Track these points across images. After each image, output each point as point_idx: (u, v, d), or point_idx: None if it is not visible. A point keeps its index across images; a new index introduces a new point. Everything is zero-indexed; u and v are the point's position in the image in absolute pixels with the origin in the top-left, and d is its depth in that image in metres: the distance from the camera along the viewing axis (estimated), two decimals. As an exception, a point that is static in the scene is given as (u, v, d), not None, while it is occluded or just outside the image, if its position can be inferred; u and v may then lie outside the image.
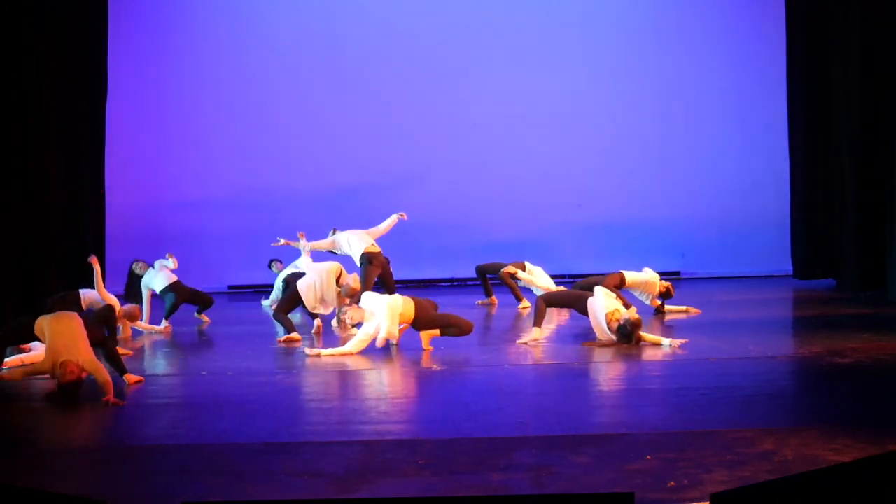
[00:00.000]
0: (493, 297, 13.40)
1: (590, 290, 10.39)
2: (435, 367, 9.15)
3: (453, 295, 14.70)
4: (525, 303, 12.98)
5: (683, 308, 12.18)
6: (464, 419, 7.14)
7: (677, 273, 15.77)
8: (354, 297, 11.03)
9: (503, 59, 16.08)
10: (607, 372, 8.93)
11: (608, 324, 9.80)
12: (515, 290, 13.05)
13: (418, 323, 9.90)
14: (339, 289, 11.18)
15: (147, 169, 15.89)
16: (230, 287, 15.83)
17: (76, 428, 7.47)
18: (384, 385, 8.69)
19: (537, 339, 10.13)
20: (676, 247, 16.12)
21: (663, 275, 15.32)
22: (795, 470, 5.57)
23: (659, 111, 16.16)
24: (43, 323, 8.31)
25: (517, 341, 10.21)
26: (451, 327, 9.98)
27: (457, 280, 16.12)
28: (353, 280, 11.32)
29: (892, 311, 11.81)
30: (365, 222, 15.67)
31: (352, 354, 9.62)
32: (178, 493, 5.53)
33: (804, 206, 14.85)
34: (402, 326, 9.92)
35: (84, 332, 8.26)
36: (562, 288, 12.61)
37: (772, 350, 9.43)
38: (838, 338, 9.92)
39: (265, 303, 14.00)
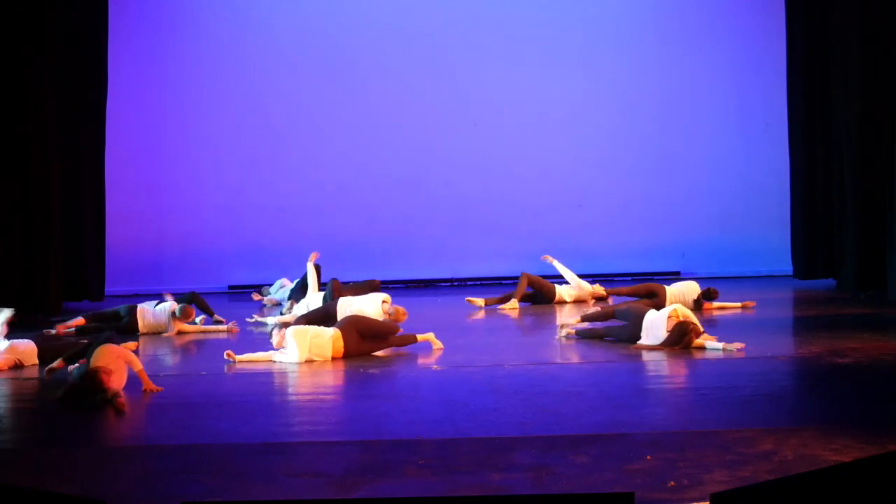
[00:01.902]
0: (484, 301, 13.22)
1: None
2: (435, 367, 9.15)
3: (453, 294, 14.70)
4: (513, 303, 12.99)
5: (739, 304, 12.35)
6: (464, 419, 7.14)
7: (677, 273, 15.75)
8: (395, 317, 10.82)
9: (503, 58, 16.07)
10: (607, 372, 8.93)
11: (668, 318, 9.65)
12: (522, 288, 13.07)
13: (348, 356, 9.62)
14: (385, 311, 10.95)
15: (147, 169, 15.88)
16: (230, 287, 15.83)
17: (76, 428, 7.47)
18: (384, 385, 8.68)
19: (571, 327, 10.36)
20: (676, 247, 16.12)
21: (663, 275, 15.39)
22: (795, 470, 5.58)
23: (659, 111, 16.15)
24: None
25: (559, 334, 10.34)
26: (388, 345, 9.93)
27: (457, 280, 16.12)
28: (398, 311, 10.98)
29: (892, 311, 11.80)
30: (365, 220, 15.77)
31: (262, 361, 9.47)
32: (178, 493, 5.54)
33: (804, 206, 14.84)
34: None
35: (123, 365, 8.27)
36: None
37: (772, 350, 9.43)
38: (838, 338, 9.93)
39: (264, 300, 14.02)
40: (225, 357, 9.50)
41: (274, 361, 9.43)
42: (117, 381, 8.03)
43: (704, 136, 16.17)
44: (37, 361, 9.52)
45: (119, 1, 15.17)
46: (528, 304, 13.27)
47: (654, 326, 9.73)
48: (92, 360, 8.17)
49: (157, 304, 11.66)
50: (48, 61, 13.53)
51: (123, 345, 10.06)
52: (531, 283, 13.35)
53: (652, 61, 16.12)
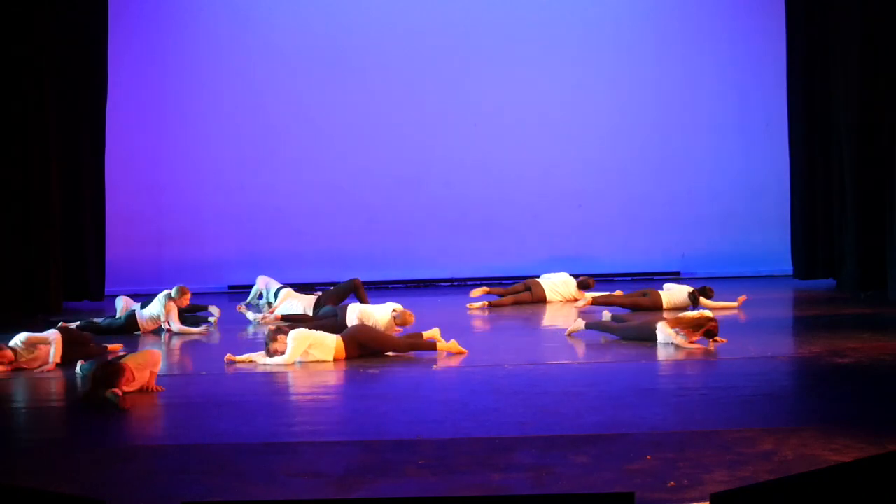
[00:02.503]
0: (486, 303, 13.28)
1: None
2: (435, 367, 9.16)
3: (453, 295, 14.70)
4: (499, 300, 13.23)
5: (735, 304, 12.36)
6: (464, 419, 7.15)
7: (677, 273, 15.76)
8: (403, 320, 10.66)
9: (503, 59, 16.07)
10: (607, 372, 8.93)
11: (685, 316, 9.83)
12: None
13: (349, 357, 9.62)
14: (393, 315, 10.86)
15: (147, 169, 15.88)
16: (230, 287, 15.83)
17: (76, 428, 7.47)
18: (384, 385, 8.68)
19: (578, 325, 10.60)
20: (676, 247, 16.12)
21: (663, 275, 15.39)
22: (795, 470, 5.58)
23: (659, 111, 16.14)
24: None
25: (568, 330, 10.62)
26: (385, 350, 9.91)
27: (457, 280, 16.11)
28: (405, 314, 10.86)
29: (892, 311, 11.81)
30: (365, 220, 15.78)
31: (259, 363, 9.49)
32: (178, 493, 5.54)
33: (804, 206, 14.84)
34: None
35: (146, 374, 8.33)
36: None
37: (772, 350, 9.44)
38: (838, 338, 9.93)
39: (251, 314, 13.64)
40: (225, 360, 9.50)
41: (267, 364, 9.39)
42: (131, 387, 8.07)
43: (704, 136, 16.16)
44: (57, 360, 9.47)
45: (119, 1, 15.17)
46: (523, 304, 13.37)
47: (676, 322, 9.85)
48: (128, 357, 8.35)
49: (142, 307, 11.68)
50: (48, 61, 13.53)
51: (112, 346, 10.20)
52: (513, 291, 13.50)
53: (652, 61, 16.10)
